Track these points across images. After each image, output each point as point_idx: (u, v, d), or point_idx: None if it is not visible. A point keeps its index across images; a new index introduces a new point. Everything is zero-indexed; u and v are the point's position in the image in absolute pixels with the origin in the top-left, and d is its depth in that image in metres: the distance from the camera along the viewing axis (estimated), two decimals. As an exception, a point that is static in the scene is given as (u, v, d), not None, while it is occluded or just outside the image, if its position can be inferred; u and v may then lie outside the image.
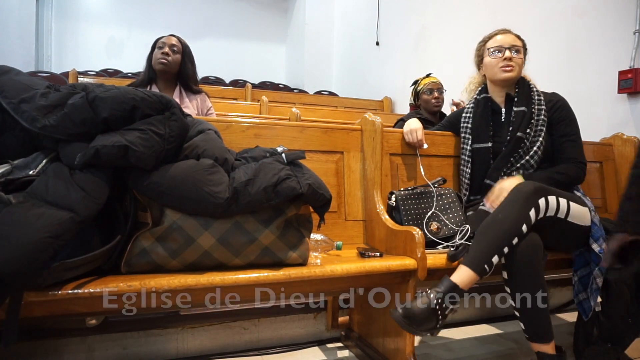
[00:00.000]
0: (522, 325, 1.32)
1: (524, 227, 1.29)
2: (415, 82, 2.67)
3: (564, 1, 2.78)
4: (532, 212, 1.31)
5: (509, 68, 1.67)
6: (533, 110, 1.66)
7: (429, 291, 1.22)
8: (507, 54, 1.67)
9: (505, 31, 1.73)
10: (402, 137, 1.75)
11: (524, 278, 1.29)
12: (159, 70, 2.15)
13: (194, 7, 6.78)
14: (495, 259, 1.26)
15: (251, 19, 7.12)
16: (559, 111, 1.67)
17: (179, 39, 2.20)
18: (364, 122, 1.69)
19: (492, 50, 1.70)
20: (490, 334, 1.95)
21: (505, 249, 1.27)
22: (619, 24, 2.41)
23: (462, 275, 1.24)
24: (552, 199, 1.37)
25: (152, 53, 2.18)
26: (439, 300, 1.20)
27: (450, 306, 1.21)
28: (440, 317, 1.20)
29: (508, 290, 1.32)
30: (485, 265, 1.25)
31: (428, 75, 2.65)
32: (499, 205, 1.37)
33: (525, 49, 1.72)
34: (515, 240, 1.28)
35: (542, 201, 1.34)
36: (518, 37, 1.72)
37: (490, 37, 1.74)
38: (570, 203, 1.42)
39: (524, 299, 1.30)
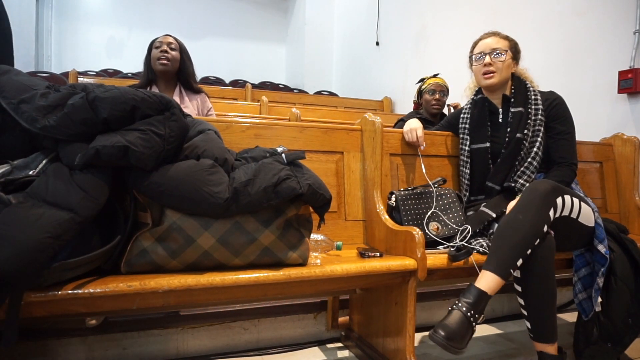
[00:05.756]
0: (528, 324, 1.32)
1: (545, 228, 1.29)
2: (422, 80, 2.66)
3: (564, 1, 2.78)
4: (551, 212, 1.31)
5: (490, 75, 1.66)
6: (530, 110, 1.66)
7: (459, 304, 1.21)
8: (487, 59, 1.66)
9: (488, 34, 1.71)
10: (402, 137, 1.75)
11: (538, 278, 1.28)
12: (160, 70, 2.15)
13: (194, 8, 6.78)
14: (519, 262, 1.25)
15: (251, 19, 7.12)
16: (555, 109, 1.68)
17: (174, 37, 2.20)
18: (364, 122, 1.69)
19: (475, 57, 1.71)
20: (490, 334, 1.94)
21: (529, 251, 1.26)
22: (618, 24, 2.41)
23: (489, 281, 1.23)
24: (567, 197, 1.37)
25: (150, 55, 2.18)
26: (472, 312, 1.19)
27: (482, 314, 1.21)
28: (474, 326, 1.20)
29: (519, 288, 1.32)
30: (511, 269, 1.24)
31: (435, 76, 2.63)
32: (515, 205, 1.36)
33: (514, 49, 1.70)
34: (537, 242, 1.27)
35: (559, 200, 1.34)
36: (504, 37, 1.70)
37: (475, 44, 1.74)
38: (581, 203, 1.42)
39: (535, 298, 1.30)
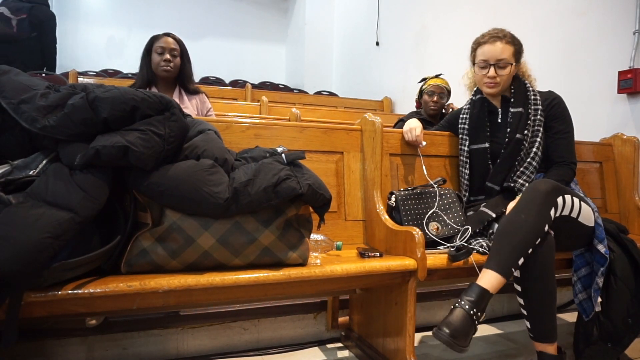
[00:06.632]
0: (528, 324, 1.32)
1: (546, 227, 1.29)
2: (424, 80, 2.64)
3: (563, 1, 2.78)
4: (552, 211, 1.32)
5: (492, 84, 1.65)
6: (530, 110, 1.66)
7: (462, 302, 1.21)
8: (491, 72, 1.63)
9: (495, 39, 1.63)
10: (402, 137, 1.75)
11: (538, 278, 1.29)
12: (163, 76, 2.15)
13: (194, 7, 6.77)
14: (521, 261, 1.26)
15: (251, 19, 7.11)
16: (554, 108, 1.68)
17: (174, 38, 2.18)
18: (364, 122, 1.69)
19: (478, 64, 1.67)
20: (490, 334, 1.95)
21: (530, 250, 1.27)
22: (618, 24, 2.41)
23: (491, 280, 1.24)
24: (567, 197, 1.38)
25: (149, 56, 2.16)
26: (475, 310, 1.19)
27: (484, 312, 1.22)
28: (476, 325, 1.20)
29: (519, 288, 1.32)
30: (513, 269, 1.25)
31: (437, 76, 2.61)
32: (516, 204, 1.36)
33: (518, 54, 1.67)
34: (538, 241, 1.28)
35: (560, 199, 1.35)
36: (510, 42, 1.64)
37: (479, 45, 1.67)
38: (581, 202, 1.42)
39: (535, 298, 1.30)
